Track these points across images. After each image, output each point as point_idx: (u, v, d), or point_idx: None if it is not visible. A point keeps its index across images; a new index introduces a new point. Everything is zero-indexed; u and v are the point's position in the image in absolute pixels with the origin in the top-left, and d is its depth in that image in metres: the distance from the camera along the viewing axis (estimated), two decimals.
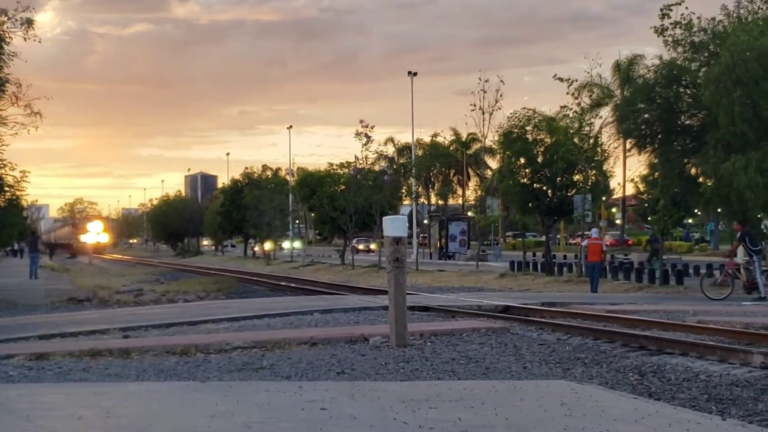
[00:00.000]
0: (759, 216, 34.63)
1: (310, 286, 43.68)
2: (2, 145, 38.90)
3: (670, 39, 36.55)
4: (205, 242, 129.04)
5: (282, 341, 18.00)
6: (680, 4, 36.44)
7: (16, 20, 35.59)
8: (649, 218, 48.98)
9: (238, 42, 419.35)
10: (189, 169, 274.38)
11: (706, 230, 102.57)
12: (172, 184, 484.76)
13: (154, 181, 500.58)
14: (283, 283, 48.85)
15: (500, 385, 12.17)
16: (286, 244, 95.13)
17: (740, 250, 34.18)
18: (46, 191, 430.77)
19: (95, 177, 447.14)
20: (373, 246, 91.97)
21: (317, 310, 25.32)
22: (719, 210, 40.15)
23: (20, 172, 42.35)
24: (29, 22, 35.85)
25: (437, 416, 9.56)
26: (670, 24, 36.42)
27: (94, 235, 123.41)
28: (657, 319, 22.35)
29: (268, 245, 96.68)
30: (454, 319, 23.89)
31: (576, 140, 46.52)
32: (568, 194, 46.49)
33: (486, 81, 58.06)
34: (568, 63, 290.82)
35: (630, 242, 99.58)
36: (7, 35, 35.63)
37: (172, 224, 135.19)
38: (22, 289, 42.81)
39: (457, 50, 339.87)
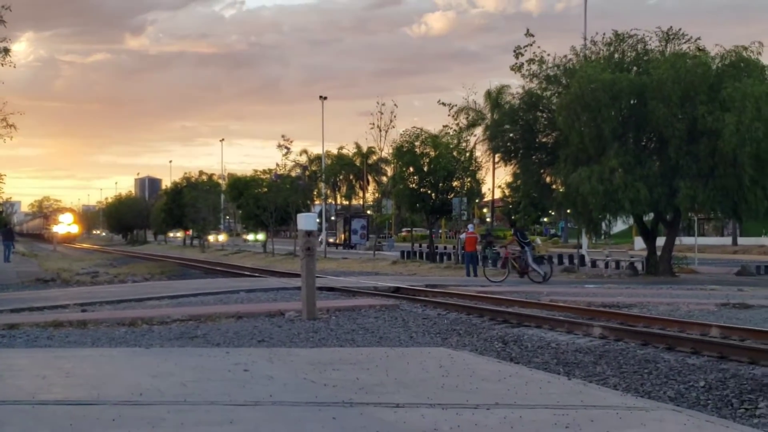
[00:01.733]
0: (600, 216, 35.17)
1: (237, 270, 43.18)
2: None
3: (527, 73, 37.10)
4: (179, 234, 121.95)
5: (213, 315, 17.84)
6: (532, 45, 37.08)
7: None
8: (512, 217, 49.66)
9: (181, 70, 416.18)
10: (138, 173, 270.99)
11: (559, 227, 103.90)
12: (124, 185, 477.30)
13: (110, 182, 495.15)
14: (215, 268, 48.35)
15: (391, 352, 12.18)
16: (250, 237, 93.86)
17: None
18: (19, 190, 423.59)
19: (60, 179, 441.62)
20: (342, 236, 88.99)
21: (243, 289, 25.09)
22: (569, 211, 40.69)
23: None
24: (6, 51, 35.38)
25: (339, 377, 9.54)
26: (526, 61, 37.00)
27: (65, 225, 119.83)
28: (518, 299, 22.55)
29: (221, 237, 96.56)
30: (354, 298, 23.83)
31: (455, 153, 46.88)
32: (448, 197, 46.80)
33: (383, 104, 58.03)
34: (450, 91, 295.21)
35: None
36: None
37: (124, 219, 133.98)
38: None
39: (360, 79, 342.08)
